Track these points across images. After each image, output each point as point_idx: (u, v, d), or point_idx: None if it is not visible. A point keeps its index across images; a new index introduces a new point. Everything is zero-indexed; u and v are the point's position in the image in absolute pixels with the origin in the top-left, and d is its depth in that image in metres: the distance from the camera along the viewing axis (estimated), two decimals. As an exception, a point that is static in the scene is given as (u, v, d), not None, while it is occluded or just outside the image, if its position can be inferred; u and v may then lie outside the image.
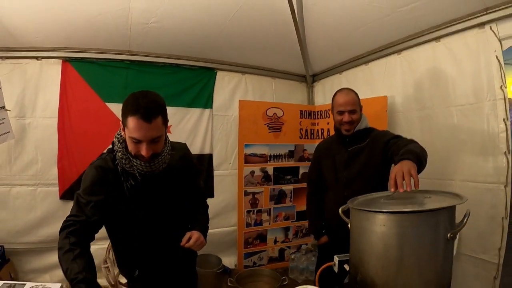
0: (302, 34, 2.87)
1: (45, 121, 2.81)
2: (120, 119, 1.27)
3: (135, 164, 1.28)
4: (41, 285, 1.25)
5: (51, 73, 2.83)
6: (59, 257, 1.19)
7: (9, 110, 2.54)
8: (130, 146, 1.26)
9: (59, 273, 2.73)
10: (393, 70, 2.75)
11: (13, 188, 2.74)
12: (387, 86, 2.79)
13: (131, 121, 1.18)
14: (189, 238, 1.39)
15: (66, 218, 1.27)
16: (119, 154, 1.30)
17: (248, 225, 3.25)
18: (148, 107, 1.18)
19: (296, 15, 2.57)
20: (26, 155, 2.77)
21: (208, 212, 1.67)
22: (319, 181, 2.18)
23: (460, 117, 2.24)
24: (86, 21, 2.54)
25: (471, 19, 2.14)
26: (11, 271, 2.65)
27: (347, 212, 1.26)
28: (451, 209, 1.07)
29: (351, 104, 1.92)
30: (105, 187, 1.29)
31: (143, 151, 1.22)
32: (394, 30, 2.52)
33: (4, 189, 2.73)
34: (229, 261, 3.25)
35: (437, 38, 2.35)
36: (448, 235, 1.03)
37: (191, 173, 1.55)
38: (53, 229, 2.77)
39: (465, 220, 1.06)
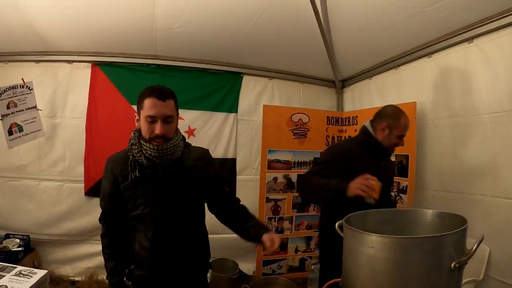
0: (328, 37, 2.73)
1: (73, 121, 2.97)
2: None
3: (144, 148, 1.30)
4: (28, 269, 1.34)
5: (80, 76, 2.99)
6: None
7: (41, 110, 2.71)
8: (145, 128, 1.30)
9: (80, 265, 2.93)
10: (423, 75, 2.54)
11: (42, 182, 2.92)
12: (416, 92, 2.59)
13: (147, 102, 1.28)
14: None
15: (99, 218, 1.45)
16: (132, 141, 1.35)
17: (269, 232, 3.18)
18: (162, 90, 1.32)
19: (321, 18, 2.44)
20: (55, 152, 2.94)
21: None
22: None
23: (493, 126, 2.01)
24: (113, 27, 2.63)
25: (505, 16, 1.90)
26: (34, 260, 2.82)
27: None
28: (457, 234, 0.93)
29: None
30: (112, 177, 1.37)
31: (157, 129, 1.27)
32: (422, 32, 2.32)
33: (33, 183, 2.91)
34: (248, 267, 3.20)
35: (469, 39, 2.12)
36: (453, 265, 0.89)
37: (211, 177, 1.49)
38: (77, 223, 2.94)
39: (474, 248, 0.92)
